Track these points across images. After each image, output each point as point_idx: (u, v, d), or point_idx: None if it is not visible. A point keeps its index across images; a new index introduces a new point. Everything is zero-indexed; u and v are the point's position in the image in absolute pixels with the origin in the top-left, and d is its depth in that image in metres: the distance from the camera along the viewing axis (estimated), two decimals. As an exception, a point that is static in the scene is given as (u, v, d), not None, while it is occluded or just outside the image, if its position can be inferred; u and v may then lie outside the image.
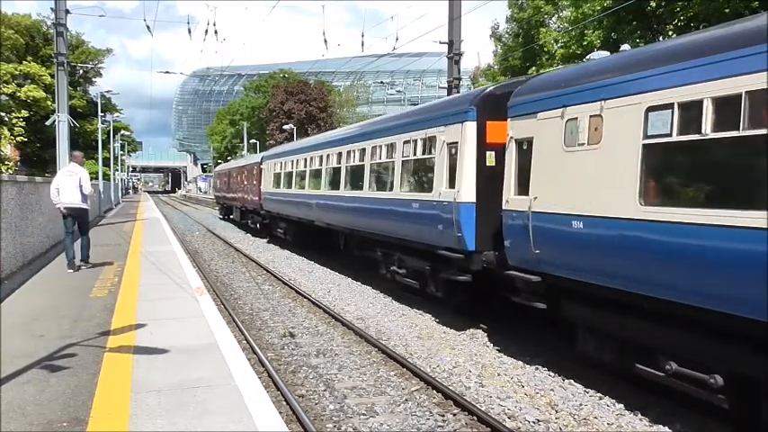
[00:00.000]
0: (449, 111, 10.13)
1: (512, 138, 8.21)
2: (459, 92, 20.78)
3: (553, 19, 25.82)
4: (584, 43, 20.25)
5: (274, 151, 26.05)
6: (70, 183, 11.93)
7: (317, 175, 17.64)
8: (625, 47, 10.27)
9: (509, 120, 8.32)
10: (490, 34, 28.59)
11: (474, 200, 9.16)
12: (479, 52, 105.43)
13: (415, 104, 29.18)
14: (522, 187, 7.89)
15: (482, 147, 9.21)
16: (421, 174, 11.16)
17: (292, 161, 20.64)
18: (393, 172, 11.90)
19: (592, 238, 6.55)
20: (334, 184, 15.80)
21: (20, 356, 6.27)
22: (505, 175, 8.27)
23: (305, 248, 20.00)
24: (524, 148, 7.98)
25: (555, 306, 7.54)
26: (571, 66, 12.78)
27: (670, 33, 18.45)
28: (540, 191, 7.43)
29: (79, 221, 12.30)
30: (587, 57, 9.06)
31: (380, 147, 12.70)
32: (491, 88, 9.80)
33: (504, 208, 8.21)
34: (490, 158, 9.19)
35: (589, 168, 6.68)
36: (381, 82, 79.96)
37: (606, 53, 9.03)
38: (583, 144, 6.78)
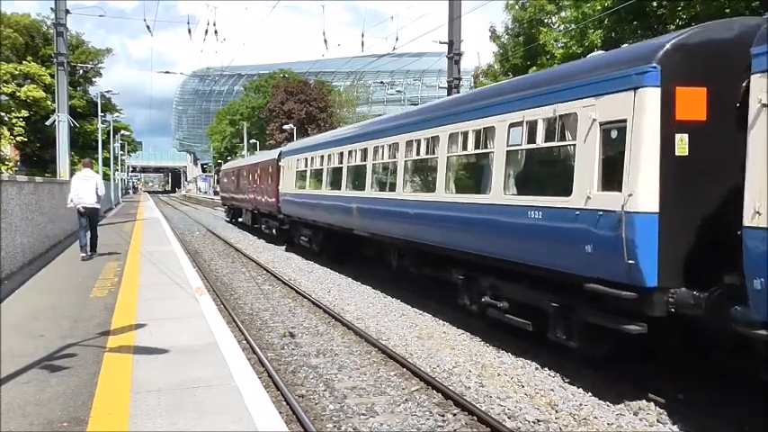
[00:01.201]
0: (604, 74, 6.83)
1: (764, 106, 5.27)
2: (459, 92, 20.50)
3: (554, 18, 25.82)
4: (586, 43, 20.25)
5: (297, 145, 22.26)
6: (87, 186, 13.87)
7: (358, 172, 14.30)
8: (625, 47, 10.22)
9: (755, 77, 5.34)
10: (489, 35, 28.59)
11: (657, 209, 6.13)
12: (479, 52, 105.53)
13: (415, 104, 28.96)
14: None
15: (669, 127, 6.22)
16: (544, 169, 8.28)
17: (322, 156, 17.11)
18: (490, 167, 8.67)
19: None
20: (387, 183, 12.65)
21: (20, 356, 6.27)
22: (748, 170, 5.32)
23: (338, 262, 17.02)
24: None
25: None
26: None
27: (670, 33, 18.39)
28: None
29: (92, 218, 14.08)
30: (588, 56, 8.86)
31: (465, 134, 9.43)
32: (682, 36, 6.48)
33: (749, 225, 5.23)
34: (682, 144, 6.27)
35: None
36: (381, 82, 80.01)
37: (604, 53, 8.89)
38: None
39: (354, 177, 14.61)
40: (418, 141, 11.11)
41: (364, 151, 13.82)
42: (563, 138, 7.41)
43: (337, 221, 15.41)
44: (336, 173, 15.83)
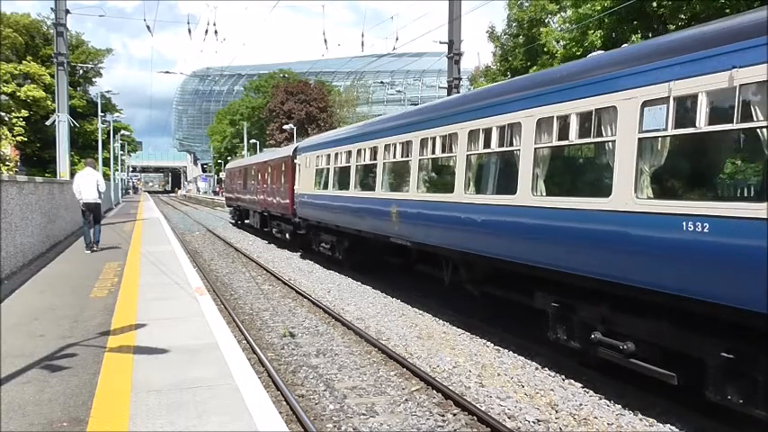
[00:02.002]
0: None
1: None
2: (459, 92, 20.46)
3: (554, 18, 25.81)
4: (586, 44, 20.25)
5: (317, 140, 19.15)
6: (89, 183, 14.90)
7: (399, 170, 12.08)
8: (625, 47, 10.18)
9: None
10: (488, 36, 28.56)
11: None
12: (479, 52, 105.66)
13: (415, 104, 28.96)
14: None
15: None
16: (711, 163, 6.42)
17: (350, 152, 14.65)
18: (608, 162, 6.61)
19: None
20: (440, 183, 10.65)
21: (20, 356, 6.28)
22: None
23: (367, 273, 14.93)
24: None
25: None
26: None
27: (671, 33, 18.39)
28: None
29: (94, 213, 15.18)
30: (589, 56, 8.71)
31: (564, 119, 7.21)
32: None
33: None
34: None
35: None
36: (381, 82, 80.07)
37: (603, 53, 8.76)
38: None
39: (394, 176, 12.35)
40: (488, 131, 8.81)
41: (407, 145, 11.52)
42: (747, 117, 5.15)
43: (369, 227, 13.12)
44: (368, 171, 13.60)
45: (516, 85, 9.16)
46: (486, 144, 8.87)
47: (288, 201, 20.49)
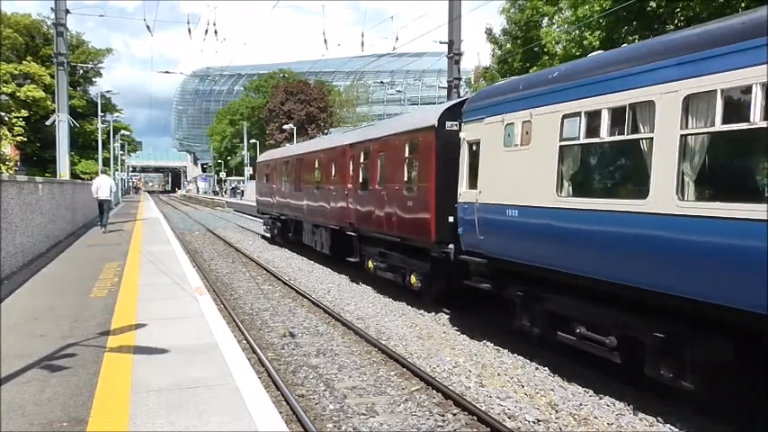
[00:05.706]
0: None
1: None
2: (459, 92, 20.55)
3: (554, 19, 25.79)
4: (585, 43, 20.24)
5: (564, 76, 7.61)
6: (104, 185, 20.97)
7: None
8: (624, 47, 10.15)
9: None
10: (486, 36, 28.53)
11: None
12: (479, 52, 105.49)
13: (415, 104, 28.84)
14: None
15: None
16: None
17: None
18: None
19: None
20: None
21: (20, 356, 6.27)
22: None
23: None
24: None
25: None
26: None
27: (670, 33, 18.33)
28: None
29: (106, 206, 21.33)
30: (588, 56, 8.70)
31: None
32: None
33: None
34: None
35: None
36: (381, 82, 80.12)
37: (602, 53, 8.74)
38: None
39: None
40: None
41: None
42: None
43: None
44: None
45: None
46: None
47: (427, 215, 10.91)
